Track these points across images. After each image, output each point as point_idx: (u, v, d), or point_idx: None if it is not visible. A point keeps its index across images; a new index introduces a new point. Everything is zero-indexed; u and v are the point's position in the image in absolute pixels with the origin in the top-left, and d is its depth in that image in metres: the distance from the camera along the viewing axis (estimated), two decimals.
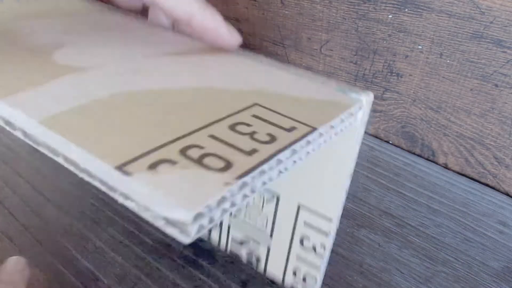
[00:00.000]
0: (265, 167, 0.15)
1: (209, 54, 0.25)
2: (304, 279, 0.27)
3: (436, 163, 0.40)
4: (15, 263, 0.25)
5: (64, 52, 0.23)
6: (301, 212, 0.25)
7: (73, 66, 0.21)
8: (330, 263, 0.32)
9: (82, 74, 0.21)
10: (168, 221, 0.13)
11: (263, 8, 0.41)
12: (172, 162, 0.14)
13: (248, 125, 0.18)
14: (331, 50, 0.39)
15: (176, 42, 0.26)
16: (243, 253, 0.29)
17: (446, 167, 0.40)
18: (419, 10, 0.32)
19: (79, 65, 0.21)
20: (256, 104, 0.20)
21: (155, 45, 0.25)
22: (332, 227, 0.24)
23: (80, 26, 0.27)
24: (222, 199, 0.13)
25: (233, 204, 0.14)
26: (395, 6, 0.33)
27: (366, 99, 0.21)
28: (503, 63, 0.31)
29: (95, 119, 0.16)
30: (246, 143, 0.16)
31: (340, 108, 0.20)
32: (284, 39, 0.42)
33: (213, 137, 0.16)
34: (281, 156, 0.16)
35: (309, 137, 0.17)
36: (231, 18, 0.43)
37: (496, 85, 0.32)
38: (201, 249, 0.30)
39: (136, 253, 0.30)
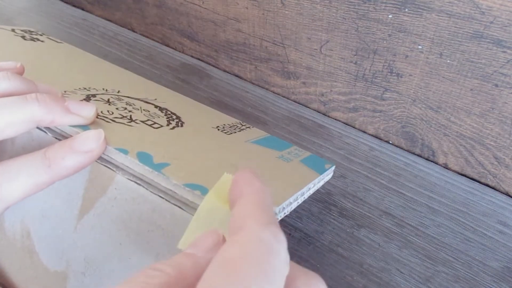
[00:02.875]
0: None
1: None
2: None
3: (436, 163, 0.40)
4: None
5: None
6: None
7: None
8: (330, 263, 0.32)
9: None
10: None
11: (263, 8, 0.41)
12: None
13: None
14: (331, 50, 0.39)
15: None
16: None
17: (446, 167, 0.40)
18: (419, 10, 0.32)
19: None
20: None
21: None
22: None
23: None
24: None
25: None
26: (395, 6, 0.33)
27: None
28: (503, 63, 0.31)
29: None
30: None
31: None
32: (284, 39, 0.42)
33: None
34: None
35: None
36: (231, 18, 0.43)
37: (496, 85, 0.32)
38: None
39: None
